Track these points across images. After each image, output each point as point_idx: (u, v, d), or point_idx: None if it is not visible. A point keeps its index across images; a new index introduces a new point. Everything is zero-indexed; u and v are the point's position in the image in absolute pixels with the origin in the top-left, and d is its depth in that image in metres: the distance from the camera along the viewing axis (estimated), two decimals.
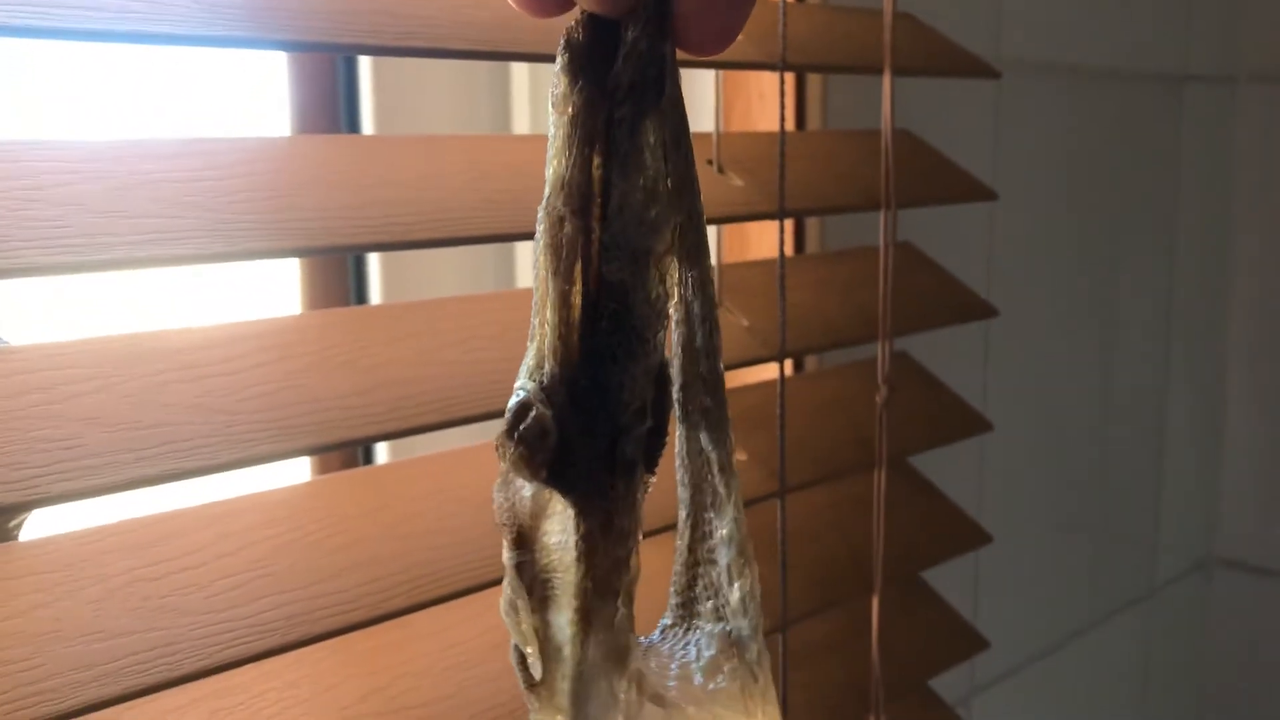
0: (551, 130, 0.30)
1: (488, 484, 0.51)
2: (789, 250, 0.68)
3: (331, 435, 0.43)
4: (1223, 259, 1.10)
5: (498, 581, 0.47)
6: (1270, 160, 1.07)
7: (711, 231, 0.62)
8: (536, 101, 0.70)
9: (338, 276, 0.53)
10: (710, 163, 0.57)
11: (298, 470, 0.57)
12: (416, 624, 0.51)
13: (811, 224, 0.70)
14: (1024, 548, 0.91)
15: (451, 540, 0.47)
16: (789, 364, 0.64)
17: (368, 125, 0.68)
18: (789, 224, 0.67)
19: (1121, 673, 1.05)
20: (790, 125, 0.68)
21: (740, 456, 0.59)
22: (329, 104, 0.53)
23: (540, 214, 0.30)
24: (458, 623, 0.51)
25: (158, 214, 0.40)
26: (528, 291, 0.54)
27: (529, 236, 0.48)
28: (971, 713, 0.87)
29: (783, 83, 0.58)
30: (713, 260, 0.60)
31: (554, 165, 0.30)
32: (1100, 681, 1.02)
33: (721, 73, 0.62)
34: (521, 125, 0.71)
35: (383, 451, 0.69)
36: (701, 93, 0.67)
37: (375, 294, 0.70)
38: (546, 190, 0.30)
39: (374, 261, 0.69)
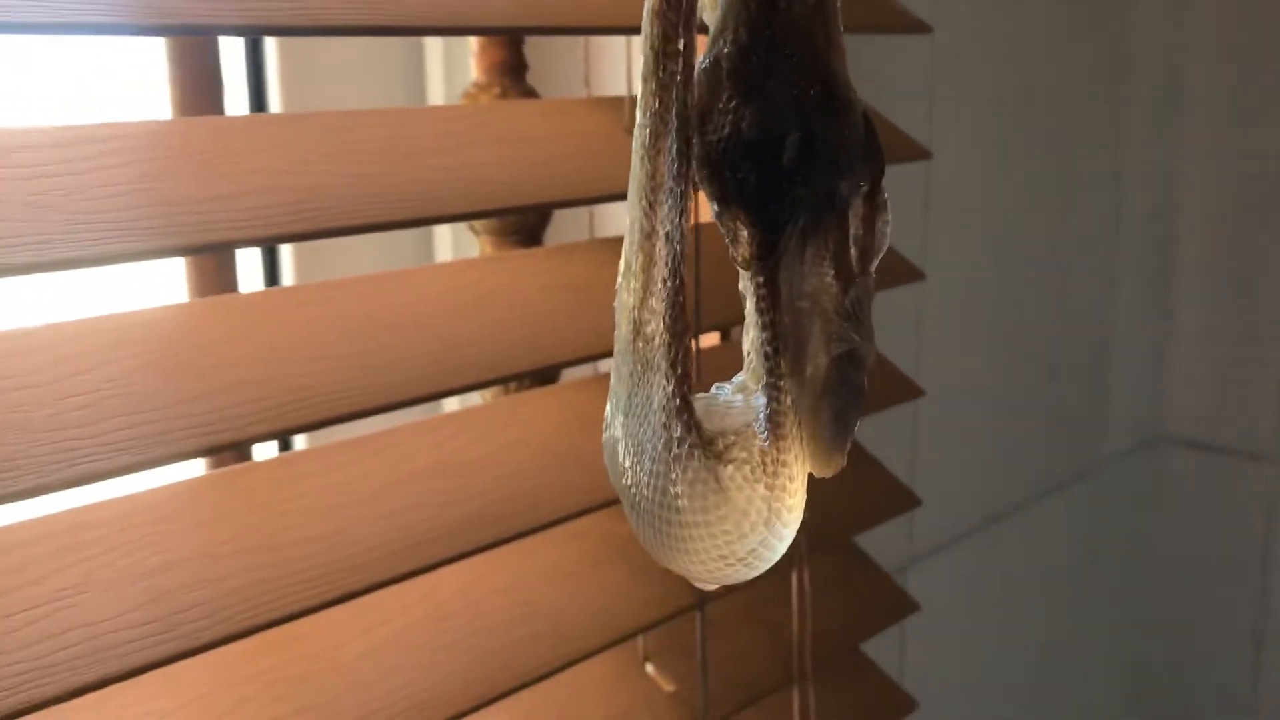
0: None
1: (373, 312, 0.48)
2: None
3: (187, 239, 0.39)
4: (1173, 133, 1.07)
5: (382, 409, 0.44)
6: (1223, 37, 1.04)
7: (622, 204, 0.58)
8: (451, 71, 0.66)
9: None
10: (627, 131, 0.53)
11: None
12: (303, 462, 0.48)
13: None
14: (965, 416, 0.89)
15: (330, 367, 0.44)
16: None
17: (274, 104, 0.64)
18: None
19: (1066, 546, 1.04)
20: None
21: None
22: (210, 85, 0.48)
23: None
24: (350, 462, 0.48)
25: None
26: None
27: (400, 225, 0.45)
28: (908, 581, 0.86)
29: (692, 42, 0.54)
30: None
31: None
32: (1043, 554, 1.01)
33: (633, 38, 0.58)
34: (436, 96, 0.66)
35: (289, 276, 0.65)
36: (613, 57, 0.63)
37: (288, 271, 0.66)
38: None
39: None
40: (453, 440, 0.50)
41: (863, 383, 0.36)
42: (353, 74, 0.66)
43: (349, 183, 0.44)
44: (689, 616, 0.58)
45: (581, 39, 0.60)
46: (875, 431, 0.71)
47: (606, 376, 0.59)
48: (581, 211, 0.65)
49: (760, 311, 0.35)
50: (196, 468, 0.51)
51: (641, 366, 0.35)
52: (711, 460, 0.35)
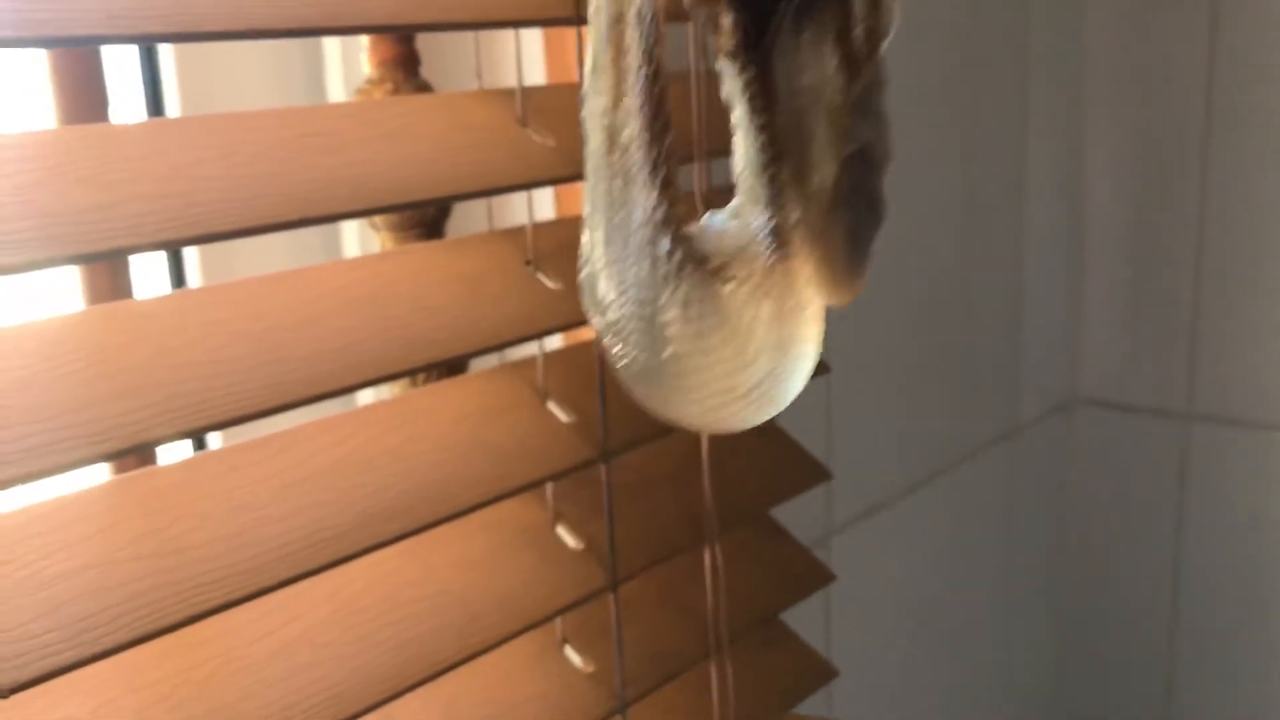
0: None
1: (267, 313, 0.48)
2: None
3: (68, 250, 0.39)
4: (1077, 94, 1.09)
5: (275, 411, 0.45)
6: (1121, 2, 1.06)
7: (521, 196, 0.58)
8: (349, 68, 0.65)
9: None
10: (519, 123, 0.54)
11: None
12: (204, 465, 0.48)
13: None
14: (880, 385, 0.90)
15: (223, 370, 0.44)
16: None
17: (173, 110, 0.63)
18: None
19: (985, 511, 1.06)
20: None
21: (555, 285, 0.57)
22: (94, 93, 0.48)
23: None
24: (252, 463, 0.49)
25: None
26: None
27: (287, 226, 0.44)
28: (831, 553, 0.87)
29: (580, 37, 0.55)
30: (526, 221, 0.55)
31: None
32: (964, 520, 1.03)
33: (523, 30, 0.59)
34: (335, 92, 0.66)
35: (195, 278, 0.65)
36: (504, 49, 0.63)
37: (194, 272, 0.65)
38: None
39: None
40: (354, 437, 0.51)
41: (880, 188, 0.31)
42: (252, 75, 0.66)
43: (234, 185, 0.44)
44: (605, 598, 0.59)
45: (473, 32, 0.60)
46: (790, 408, 0.72)
47: (512, 366, 0.60)
48: (480, 203, 0.65)
49: (753, 112, 0.29)
50: (99, 474, 0.51)
51: (620, 182, 0.31)
52: (707, 277, 0.30)
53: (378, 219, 0.61)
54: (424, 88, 0.60)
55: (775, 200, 0.29)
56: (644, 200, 0.30)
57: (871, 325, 0.89)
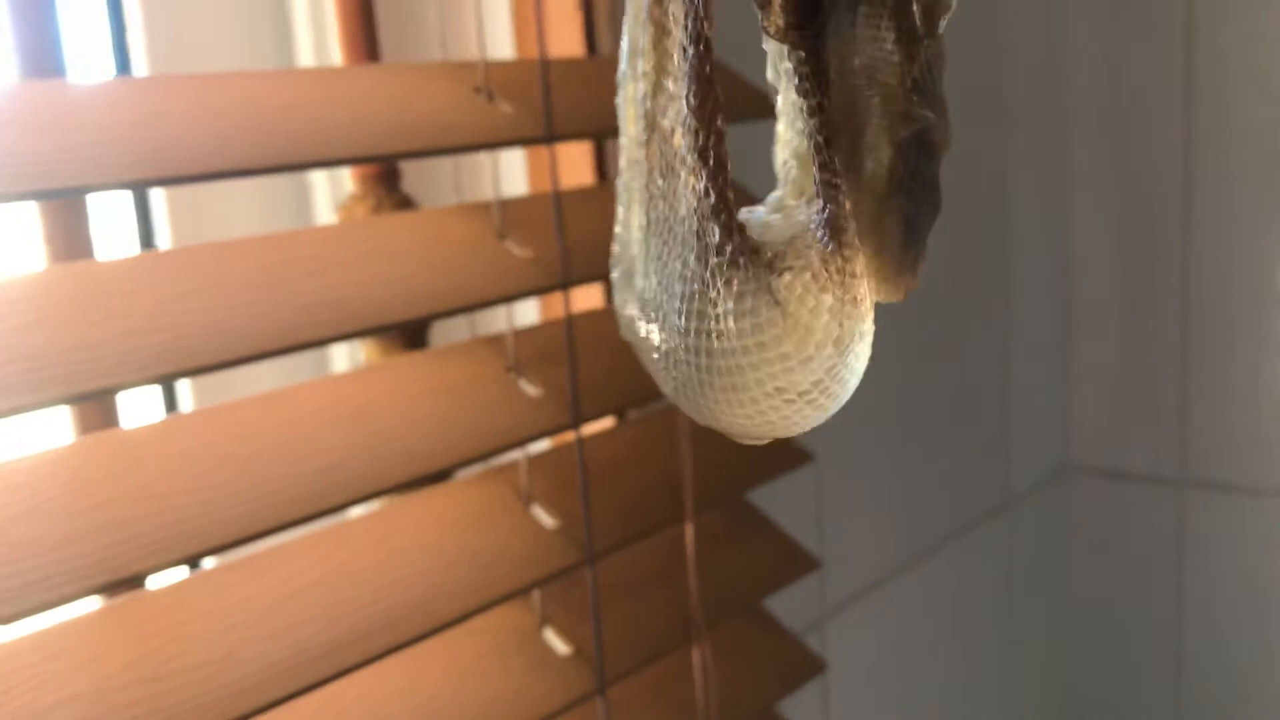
0: None
1: (252, 435, 0.49)
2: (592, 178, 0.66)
3: (56, 391, 0.41)
4: (1060, 153, 1.11)
5: (262, 535, 0.46)
6: (1102, 51, 1.08)
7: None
8: (334, 187, 0.68)
9: None
10: (478, 90, 0.55)
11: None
12: (192, 588, 0.49)
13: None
14: (870, 464, 0.91)
15: (208, 497, 0.45)
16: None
17: (140, 64, 0.65)
18: (593, 151, 0.66)
19: (984, 585, 1.07)
20: (580, 50, 0.66)
21: (536, 392, 0.58)
22: (82, 228, 0.50)
23: None
24: (239, 583, 0.50)
25: None
26: None
27: (272, 354, 0.46)
28: (826, 636, 0.88)
29: (552, 156, 0.57)
30: (506, 327, 0.56)
31: None
32: (963, 595, 1.04)
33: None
34: (305, 57, 0.68)
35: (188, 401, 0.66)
36: (478, 163, 0.65)
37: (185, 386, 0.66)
38: None
39: None
40: (339, 552, 0.51)
41: (936, 176, 0.29)
42: (239, 188, 0.68)
43: (221, 316, 0.46)
44: (593, 703, 0.59)
45: None
46: (777, 489, 0.73)
47: (495, 470, 0.61)
48: None
49: (804, 94, 0.27)
50: (89, 601, 0.52)
51: (661, 173, 0.29)
52: (760, 269, 0.28)
53: None
54: (405, 201, 0.61)
55: (829, 184, 0.28)
56: (690, 190, 0.28)
57: (859, 403, 0.89)
